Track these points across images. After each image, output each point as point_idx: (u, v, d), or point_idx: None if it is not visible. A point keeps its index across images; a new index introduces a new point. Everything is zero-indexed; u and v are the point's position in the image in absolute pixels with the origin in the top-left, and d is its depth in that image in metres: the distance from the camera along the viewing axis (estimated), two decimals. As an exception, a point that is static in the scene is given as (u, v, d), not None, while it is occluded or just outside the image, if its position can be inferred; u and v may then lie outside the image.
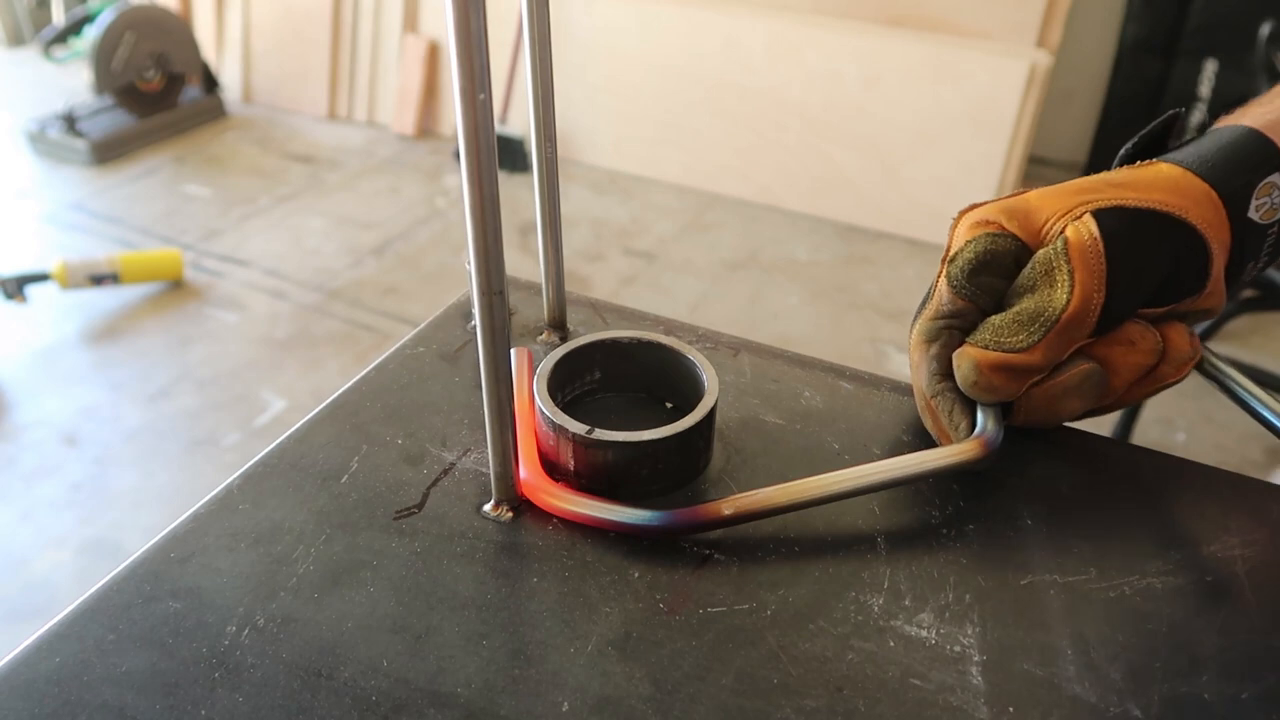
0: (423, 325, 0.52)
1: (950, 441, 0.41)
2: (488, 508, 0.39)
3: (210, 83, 3.34)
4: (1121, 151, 0.45)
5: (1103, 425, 1.56)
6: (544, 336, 0.51)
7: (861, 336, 2.30)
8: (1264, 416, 0.41)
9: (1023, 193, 0.43)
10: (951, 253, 0.42)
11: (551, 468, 0.41)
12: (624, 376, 0.46)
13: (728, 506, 0.37)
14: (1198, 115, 2.58)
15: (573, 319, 0.52)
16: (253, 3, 3.43)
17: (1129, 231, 0.39)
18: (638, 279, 2.50)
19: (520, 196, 2.75)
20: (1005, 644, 0.34)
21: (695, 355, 0.43)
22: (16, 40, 4.08)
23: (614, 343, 0.45)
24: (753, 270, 2.55)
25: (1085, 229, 0.39)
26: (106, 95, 3.05)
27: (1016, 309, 0.41)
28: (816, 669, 0.33)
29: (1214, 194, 0.40)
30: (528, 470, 0.39)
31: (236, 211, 2.79)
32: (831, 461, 0.43)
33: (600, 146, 3.08)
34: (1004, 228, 0.41)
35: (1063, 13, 2.52)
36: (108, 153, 3.04)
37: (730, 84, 2.82)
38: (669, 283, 2.50)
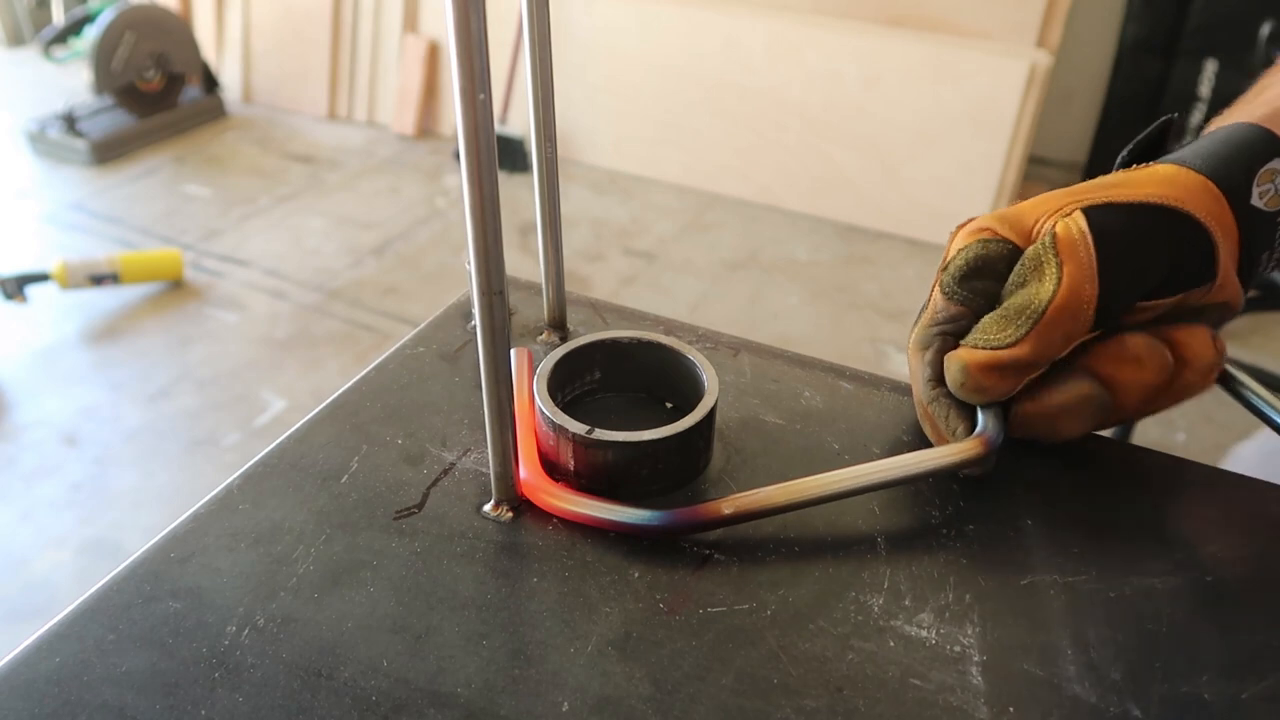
0: (423, 325, 0.52)
1: None
2: (488, 508, 0.39)
3: (210, 83, 3.34)
4: (1119, 158, 0.45)
5: (1103, 425, 1.55)
6: (544, 336, 0.51)
7: (861, 336, 2.30)
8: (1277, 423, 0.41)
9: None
10: (945, 261, 0.42)
11: (551, 468, 0.41)
12: (624, 376, 0.46)
13: (728, 506, 0.37)
14: (1198, 115, 2.58)
15: (573, 319, 0.52)
16: (253, 3, 3.43)
17: (1122, 225, 0.39)
18: (638, 279, 2.50)
19: (520, 196, 2.75)
20: (1005, 644, 0.34)
21: (695, 355, 0.43)
22: (16, 40, 4.08)
23: (614, 343, 0.45)
24: (753, 270, 2.55)
25: (1073, 224, 0.39)
26: (106, 95, 3.05)
27: (1004, 306, 0.40)
28: (816, 669, 0.33)
29: (1212, 185, 0.40)
30: (528, 470, 0.39)
31: (236, 211, 2.79)
32: (831, 461, 0.43)
33: (600, 146, 3.08)
34: (997, 233, 0.41)
35: (1063, 13, 2.52)
36: (108, 153, 3.04)
37: (730, 84, 2.82)
38: (669, 283, 2.50)
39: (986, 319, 0.40)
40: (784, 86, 2.75)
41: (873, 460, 0.40)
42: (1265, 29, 1.98)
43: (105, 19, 2.94)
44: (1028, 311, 0.39)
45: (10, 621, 1.52)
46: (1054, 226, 0.40)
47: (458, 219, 2.76)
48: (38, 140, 3.06)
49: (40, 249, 2.57)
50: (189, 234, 2.66)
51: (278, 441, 0.43)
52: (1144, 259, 0.39)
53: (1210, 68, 2.55)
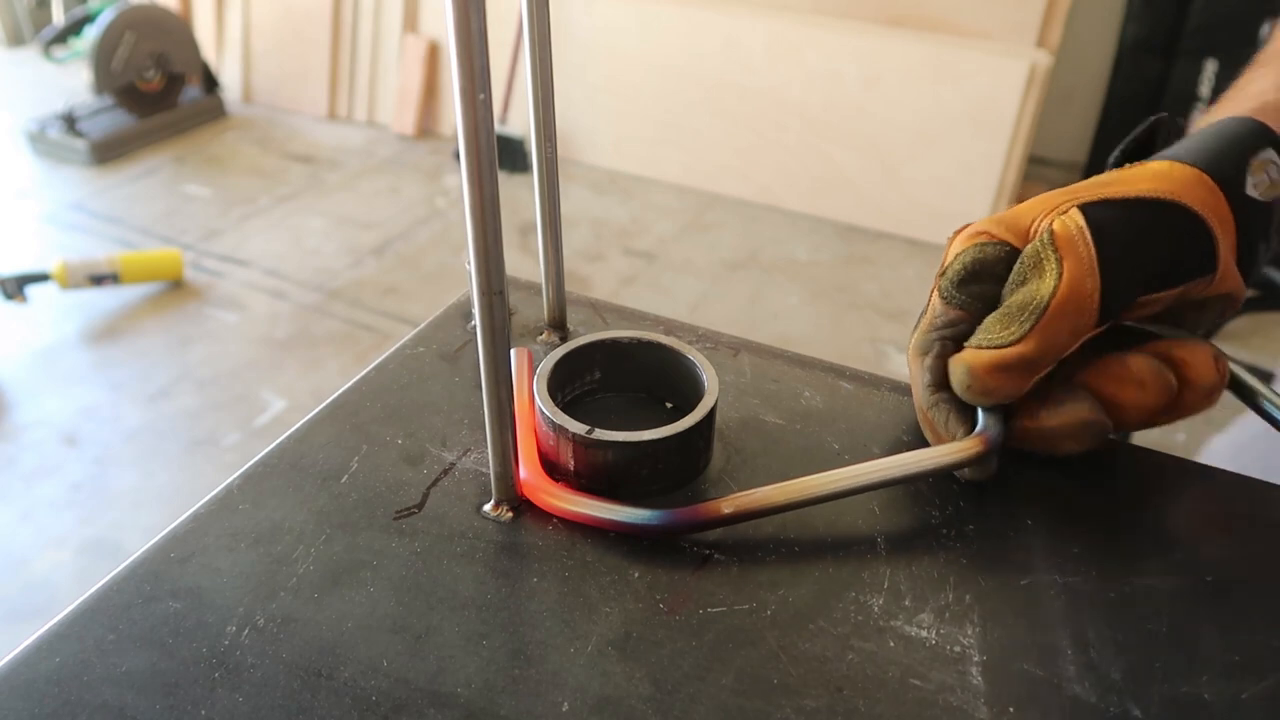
0: (423, 325, 0.52)
1: None
2: (488, 508, 0.39)
3: (210, 83, 3.34)
4: (1111, 158, 0.45)
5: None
6: (544, 336, 0.51)
7: (861, 336, 2.30)
8: None
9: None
10: (943, 266, 0.42)
11: (551, 468, 0.41)
12: (624, 376, 0.46)
13: (727, 505, 0.37)
14: (1198, 115, 2.57)
15: (573, 319, 0.52)
16: (253, 3, 3.43)
17: (1119, 220, 0.39)
18: (638, 279, 2.51)
19: (520, 196, 2.75)
20: (1005, 644, 0.34)
21: (695, 355, 0.43)
22: (16, 40, 4.08)
23: (614, 343, 0.45)
24: (753, 270, 2.55)
25: (1070, 220, 0.39)
26: (106, 95, 3.05)
27: (1005, 305, 0.40)
28: (816, 669, 0.33)
29: (1206, 178, 0.40)
30: (528, 470, 0.39)
31: (236, 211, 2.79)
32: (832, 461, 0.43)
33: (600, 146, 3.08)
34: (993, 235, 0.41)
35: (1063, 13, 2.52)
36: (108, 153, 3.04)
37: (730, 84, 2.82)
38: (669, 283, 2.50)
39: (989, 319, 0.40)
40: (784, 86, 2.75)
41: (873, 460, 0.40)
42: (1265, 29, 1.98)
43: (105, 19, 2.94)
44: (1030, 308, 0.38)
45: (10, 621, 1.52)
46: (1051, 224, 0.40)
47: (458, 219, 2.76)
48: (38, 140, 3.06)
49: (40, 249, 2.58)
50: (189, 234, 2.66)
51: (278, 441, 0.43)
52: (1143, 252, 0.39)
53: (1210, 68, 2.55)
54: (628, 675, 0.32)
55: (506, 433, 0.37)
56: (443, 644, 0.33)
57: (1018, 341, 0.38)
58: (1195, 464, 0.44)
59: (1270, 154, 0.41)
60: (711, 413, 0.40)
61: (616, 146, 3.06)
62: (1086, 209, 0.39)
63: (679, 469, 0.41)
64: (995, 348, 0.39)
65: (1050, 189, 0.43)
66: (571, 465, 0.40)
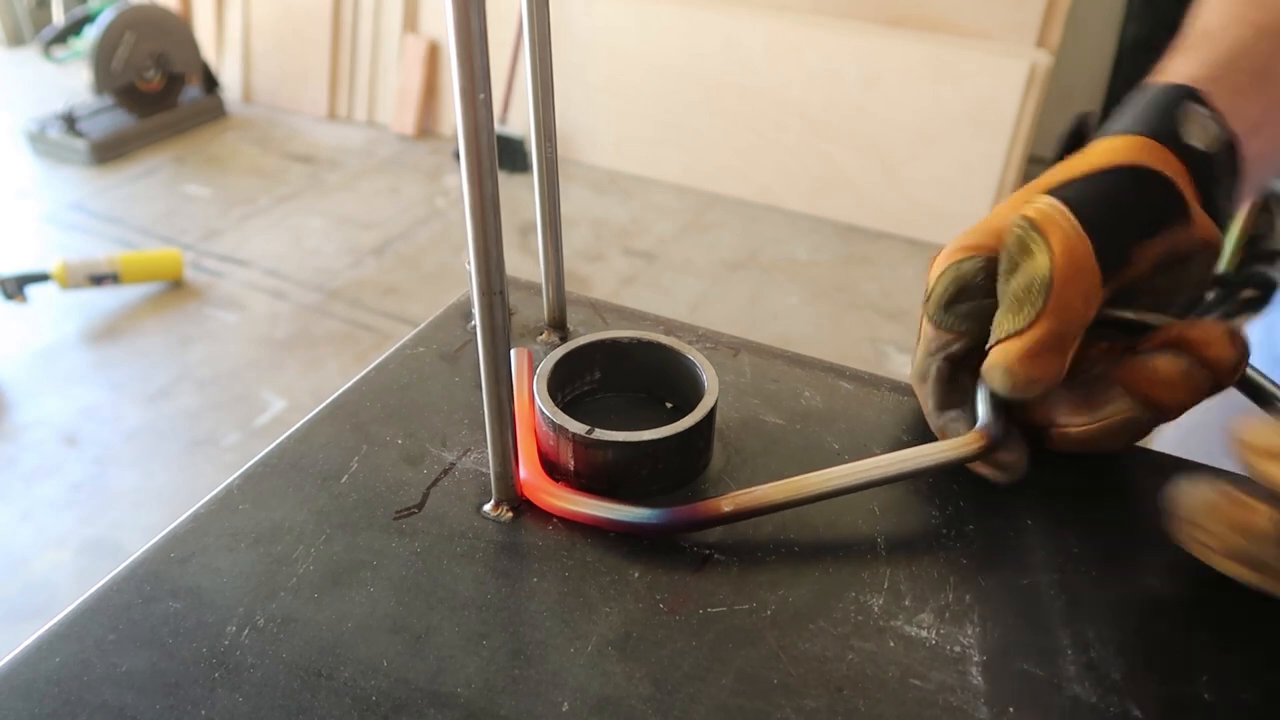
0: (423, 325, 0.52)
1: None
2: (488, 508, 0.39)
3: (210, 83, 3.34)
4: (1052, 159, 0.46)
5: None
6: (544, 336, 0.51)
7: (861, 336, 2.30)
8: None
9: None
10: (928, 291, 0.43)
11: (551, 468, 0.41)
12: (624, 376, 0.46)
13: (727, 503, 0.37)
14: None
15: (573, 319, 0.52)
16: (253, 3, 3.43)
17: (1087, 190, 0.40)
18: (638, 279, 2.51)
19: (520, 196, 2.75)
20: (1005, 644, 0.34)
21: (695, 355, 0.43)
22: (16, 40, 4.09)
23: (614, 343, 0.45)
24: (753, 270, 2.55)
25: (1042, 202, 0.40)
26: (106, 95, 3.05)
27: (1007, 297, 0.40)
28: (816, 669, 0.33)
29: (1147, 140, 0.42)
30: (528, 470, 0.39)
31: (236, 211, 2.79)
32: (832, 461, 0.43)
33: (600, 146, 3.08)
34: (969, 248, 0.42)
35: (1063, 13, 2.52)
36: (108, 153, 3.04)
37: (730, 84, 2.82)
38: (669, 283, 2.50)
39: (998, 315, 0.40)
40: (784, 86, 2.75)
41: (873, 457, 0.40)
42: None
43: (105, 19, 2.94)
44: (1034, 287, 0.38)
45: (10, 621, 1.52)
46: (1024, 212, 0.40)
47: (458, 219, 2.76)
48: (38, 140, 3.06)
49: (40, 249, 2.58)
50: (189, 234, 2.66)
51: (278, 441, 0.43)
52: (1120, 210, 0.40)
53: (1210, 68, 2.54)
54: (628, 675, 0.32)
55: (506, 433, 0.37)
56: (443, 644, 0.33)
57: (1036, 321, 0.38)
58: (1196, 463, 0.44)
59: (1195, 106, 0.43)
60: (711, 413, 0.40)
61: (616, 146, 3.06)
62: (1053, 191, 0.40)
63: (679, 469, 0.41)
64: (1017, 335, 0.39)
65: None
66: (571, 465, 0.40)
